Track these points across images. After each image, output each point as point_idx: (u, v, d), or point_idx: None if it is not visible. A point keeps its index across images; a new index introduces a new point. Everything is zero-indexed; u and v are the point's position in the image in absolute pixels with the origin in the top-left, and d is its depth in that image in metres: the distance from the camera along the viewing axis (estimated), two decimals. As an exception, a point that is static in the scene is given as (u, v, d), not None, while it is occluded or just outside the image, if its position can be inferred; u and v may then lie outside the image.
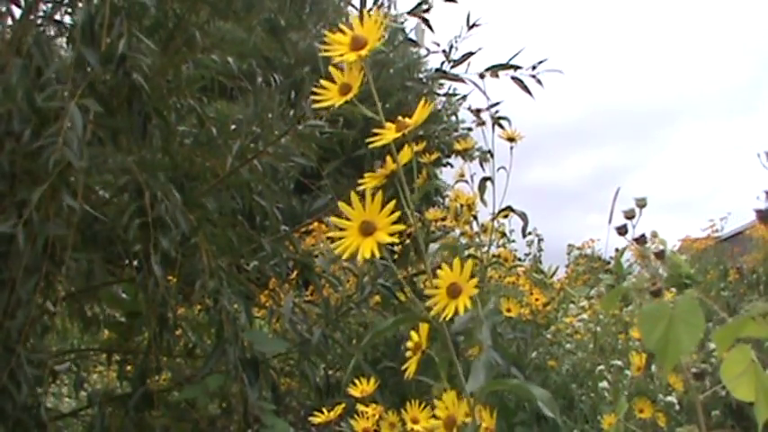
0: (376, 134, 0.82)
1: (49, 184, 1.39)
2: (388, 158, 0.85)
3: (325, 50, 0.82)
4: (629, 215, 0.76)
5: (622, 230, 0.75)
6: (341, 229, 0.80)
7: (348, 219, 0.80)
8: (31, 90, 1.44)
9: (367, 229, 0.78)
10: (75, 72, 1.47)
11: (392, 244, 0.79)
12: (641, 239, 0.73)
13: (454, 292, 0.82)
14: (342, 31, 0.82)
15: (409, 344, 0.96)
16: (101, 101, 1.50)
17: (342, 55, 0.81)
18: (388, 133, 0.81)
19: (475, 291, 0.81)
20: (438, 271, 0.84)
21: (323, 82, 0.84)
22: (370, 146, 0.81)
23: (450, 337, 0.86)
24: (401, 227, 0.78)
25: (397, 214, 0.78)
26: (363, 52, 0.80)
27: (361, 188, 0.83)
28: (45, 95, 1.44)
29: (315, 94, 0.84)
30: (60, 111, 1.39)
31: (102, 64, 1.49)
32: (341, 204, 0.80)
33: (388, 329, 0.95)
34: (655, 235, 0.73)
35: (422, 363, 0.95)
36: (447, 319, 0.82)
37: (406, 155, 0.85)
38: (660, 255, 0.71)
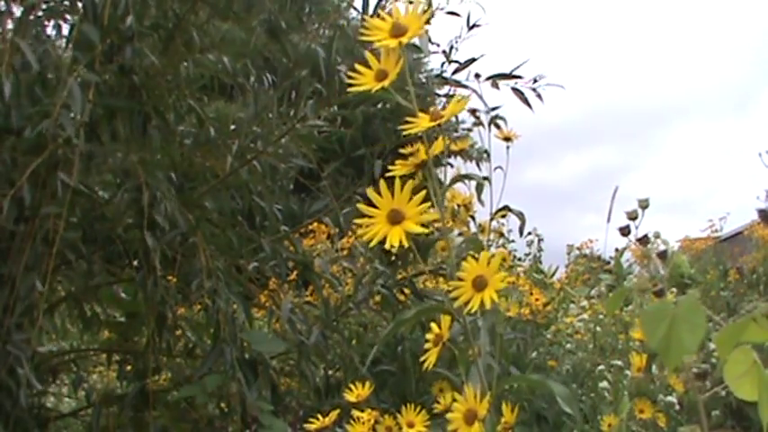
0: (408, 122, 0.81)
1: (44, 160, 1.37)
2: (420, 147, 0.84)
3: (365, 35, 0.81)
4: (632, 216, 0.75)
5: (625, 231, 0.75)
6: (368, 216, 0.79)
7: (376, 206, 0.79)
8: (32, 86, 1.44)
9: (395, 218, 0.78)
10: (76, 51, 1.46)
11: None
12: (644, 240, 0.73)
13: (480, 284, 0.80)
14: (382, 17, 0.82)
15: (429, 335, 0.95)
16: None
17: (381, 40, 0.80)
18: (422, 122, 0.80)
19: (502, 285, 0.80)
20: (463, 263, 0.82)
21: (358, 66, 0.82)
22: (404, 133, 0.81)
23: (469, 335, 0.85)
24: (432, 215, 0.78)
25: (427, 205, 0.78)
26: (405, 39, 0.79)
27: (389, 175, 0.83)
28: (42, 74, 1.42)
29: (350, 76, 0.82)
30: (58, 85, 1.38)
31: (106, 44, 1.47)
32: (369, 191, 0.80)
33: (411, 320, 0.94)
34: (657, 235, 0.73)
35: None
36: (472, 311, 0.81)
37: (438, 146, 0.84)
38: (663, 255, 0.71)
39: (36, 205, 1.46)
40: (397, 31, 0.80)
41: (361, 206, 0.80)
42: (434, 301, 1.82)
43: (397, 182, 0.79)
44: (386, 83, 0.80)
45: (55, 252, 1.44)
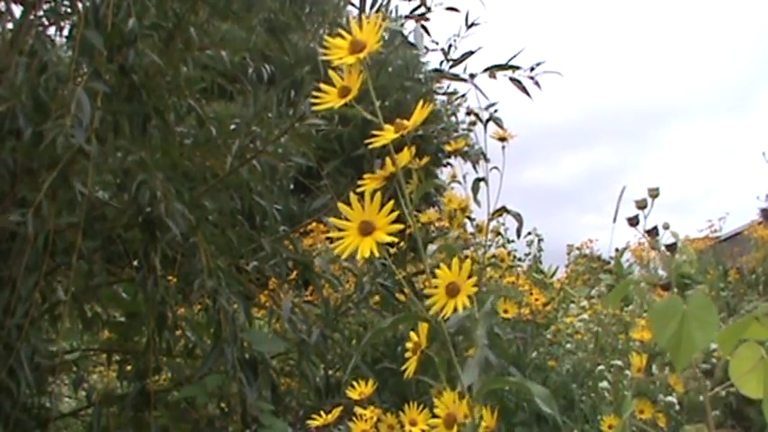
0: (374, 135, 0.82)
1: (58, 171, 1.38)
2: (388, 160, 0.86)
3: (325, 54, 0.83)
4: (641, 205, 0.76)
5: (634, 221, 0.75)
6: (340, 230, 0.81)
7: (347, 219, 0.80)
8: (36, 87, 1.43)
9: (366, 229, 0.80)
10: (80, 57, 1.46)
11: (391, 244, 0.80)
12: (653, 231, 0.73)
13: (453, 290, 0.83)
14: (341, 34, 0.83)
15: (409, 344, 0.97)
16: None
17: (341, 58, 0.82)
18: (387, 134, 0.82)
19: (473, 290, 0.82)
20: (437, 270, 0.84)
21: (322, 85, 0.84)
22: (369, 146, 0.82)
23: (449, 337, 0.87)
24: (400, 226, 0.79)
25: (396, 214, 0.79)
26: (362, 55, 0.81)
27: (360, 189, 0.84)
28: (46, 77, 1.43)
29: (314, 95, 0.85)
30: (64, 96, 1.38)
31: (107, 47, 1.47)
32: (340, 205, 0.81)
33: (388, 328, 0.95)
34: (667, 226, 0.73)
35: (422, 362, 0.95)
36: (445, 317, 0.83)
37: (405, 156, 0.86)
38: (672, 247, 0.71)
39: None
40: (355, 47, 0.81)
41: (334, 219, 0.81)
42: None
43: (367, 193, 0.81)
44: (348, 98, 0.82)
45: (54, 254, 1.44)
